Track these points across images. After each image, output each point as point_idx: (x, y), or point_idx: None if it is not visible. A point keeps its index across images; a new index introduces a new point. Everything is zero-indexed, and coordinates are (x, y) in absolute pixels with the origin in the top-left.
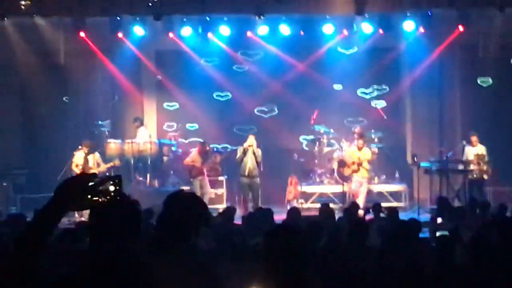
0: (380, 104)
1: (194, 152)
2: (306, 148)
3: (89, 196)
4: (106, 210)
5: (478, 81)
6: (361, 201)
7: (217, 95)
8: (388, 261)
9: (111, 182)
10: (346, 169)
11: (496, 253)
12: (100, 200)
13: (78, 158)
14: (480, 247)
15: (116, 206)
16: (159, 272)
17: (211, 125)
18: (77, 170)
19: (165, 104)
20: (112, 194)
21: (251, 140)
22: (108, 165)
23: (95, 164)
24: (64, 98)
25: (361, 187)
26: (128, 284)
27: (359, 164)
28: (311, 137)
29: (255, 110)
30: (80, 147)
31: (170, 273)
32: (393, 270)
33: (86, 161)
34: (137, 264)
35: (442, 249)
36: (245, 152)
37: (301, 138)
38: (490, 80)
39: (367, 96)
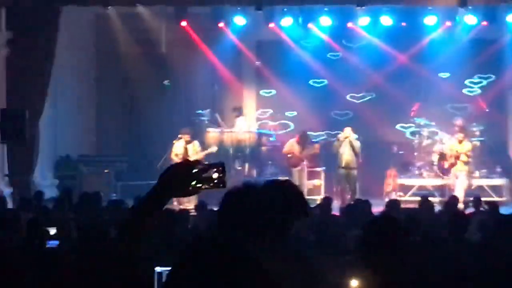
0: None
1: (292, 140)
2: (408, 139)
3: (192, 183)
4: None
5: None
6: (459, 194)
7: (313, 82)
8: (489, 256)
9: (215, 170)
10: (446, 162)
11: None
12: (203, 187)
13: (178, 147)
14: None
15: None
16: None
17: (309, 113)
18: (176, 159)
19: (262, 91)
20: (216, 181)
21: (347, 132)
22: (206, 152)
23: (195, 152)
24: (165, 82)
25: (458, 180)
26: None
27: (457, 157)
28: (411, 127)
29: (348, 97)
30: (179, 136)
31: (273, 264)
32: (493, 265)
33: (185, 150)
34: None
35: None
36: (340, 143)
37: (399, 126)
38: None
39: (475, 86)
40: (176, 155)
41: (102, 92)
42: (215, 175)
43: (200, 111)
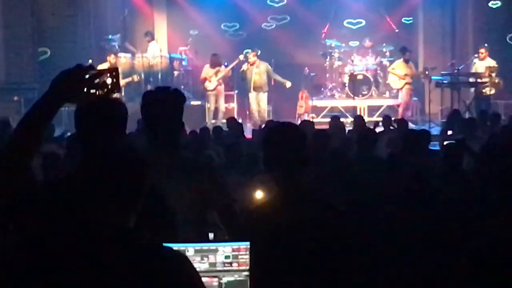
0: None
1: (206, 67)
2: (320, 60)
3: (85, 89)
4: (94, 106)
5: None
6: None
7: (227, 9)
8: (394, 171)
9: (108, 75)
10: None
11: (505, 158)
12: (97, 93)
13: None
14: (490, 153)
15: (104, 104)
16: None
17: (221, 38)
18: None
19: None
20: (110, 87)
21: (251, 57)
22: (127, 80)
23: None
24: None
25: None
26: (131, 177)
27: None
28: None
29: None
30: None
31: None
32: (401, 178)
33: None
34: (141, 159)
35: (449, 156)
36: (246, 70)
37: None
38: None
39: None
40: None
41: (9, 18)
42: (108, 81)
43: (110, 37)
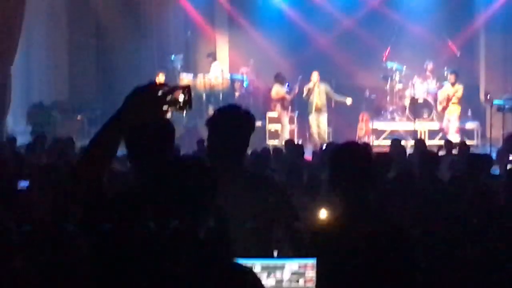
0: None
1: (277, 86)
2: (381, 83)
3: (158, 106)
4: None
5: None
6: (452, 137)
7: (287, 30)
8: (456, 193)
9: (181, 92)
10: (439, 106)
11: None
12: (169, 110)
13: None
14: None
15: (152, 123)
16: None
17: (283, 59)
18: None
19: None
20: (182, 103)
21: (314, 77)
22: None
23: None
24: None
25: (451, 123)
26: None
27: (449, 100)
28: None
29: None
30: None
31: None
32: (462, 199)
33: None
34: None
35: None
36: (310, 91)
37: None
38: None
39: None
40: None
41: (74, 38)
42: (181, 98)
43: (173, 57)
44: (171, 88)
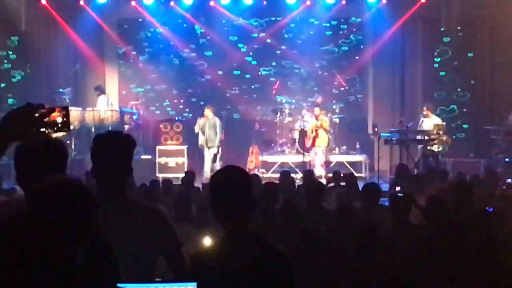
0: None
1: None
2: (270, 116)
3: (35, 128)
4: (35, 146)
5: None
6: (318, 171)
7: (176, 61)
8: (344, 221)
9: (58, 113)
10: (307, 140)
11: (451, 214)
12: (47, 131)
13: None
14: (436, 207)
15: (44, 143)
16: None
17: (173, 92)
18: None
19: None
20: (60, 125)
21: (208, 113)
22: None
23: None
24: None
25: (316, 156)
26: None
27: (316, 131)
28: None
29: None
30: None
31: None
32: (349, 230)
33: None
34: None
35: (397, 208)
36: (203, 127)
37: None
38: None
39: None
40: None
41: None
42: (59, 119)
43: (61, 90)
44: (49, 109)
